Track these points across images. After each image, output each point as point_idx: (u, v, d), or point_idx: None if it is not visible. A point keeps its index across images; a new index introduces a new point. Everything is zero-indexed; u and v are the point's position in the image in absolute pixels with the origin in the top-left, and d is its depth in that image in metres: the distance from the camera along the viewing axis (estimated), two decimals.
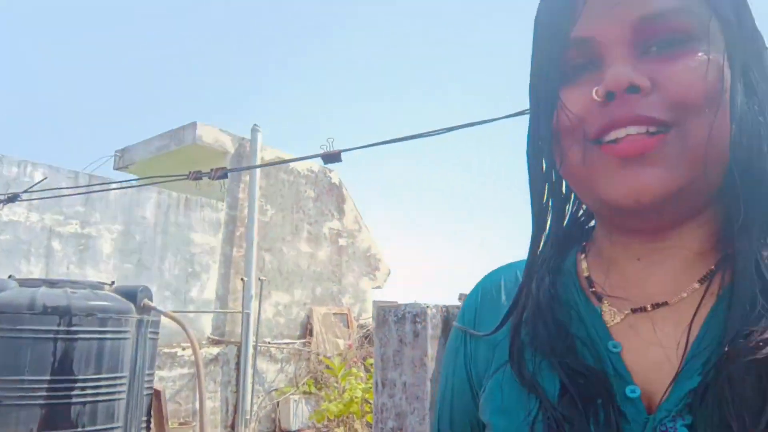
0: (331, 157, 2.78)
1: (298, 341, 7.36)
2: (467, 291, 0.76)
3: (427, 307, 2.10)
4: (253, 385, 6.52)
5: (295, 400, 6.53)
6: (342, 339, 7.23)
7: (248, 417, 6.39)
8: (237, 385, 6.53)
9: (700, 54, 0.46)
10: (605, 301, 0.56)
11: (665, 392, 0.47)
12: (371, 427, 4.39)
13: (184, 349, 6.23)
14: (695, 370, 0.46)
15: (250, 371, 6.51)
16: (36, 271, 5.28)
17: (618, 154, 0.48)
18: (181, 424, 5.44)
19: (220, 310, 6.69)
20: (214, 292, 6.84)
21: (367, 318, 8.13)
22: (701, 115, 0.46)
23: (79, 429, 3.24)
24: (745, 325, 0.44)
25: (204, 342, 6.58)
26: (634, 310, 0.53)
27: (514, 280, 0.65)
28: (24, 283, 3.46)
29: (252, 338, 6.60)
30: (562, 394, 0.50)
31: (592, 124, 0.49)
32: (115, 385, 3.44)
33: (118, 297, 3.61)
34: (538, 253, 0.59)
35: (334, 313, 7.52)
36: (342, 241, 8.57)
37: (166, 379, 5.98)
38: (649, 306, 0.52)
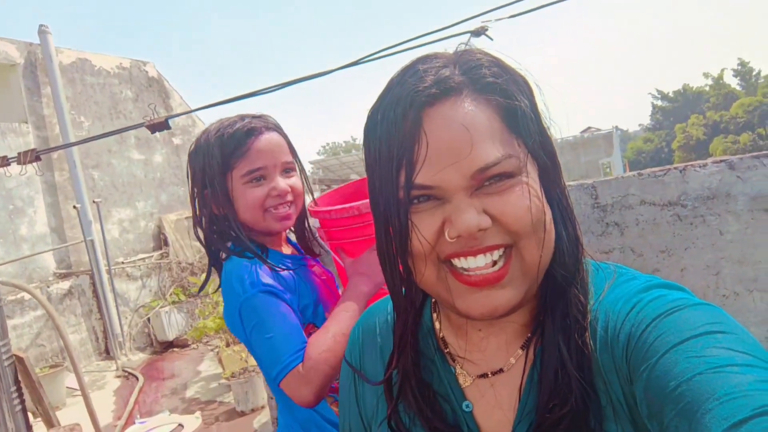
0: (158, 126, 2.59)
1: (154, 254, 7.16)
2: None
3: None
4: (117, 308, 6.38)
5: (166, 312, 6.54)
6: None
7: (121, 339, 6.33)
8: (100, 311, 6.35)
9: (524, 187, 0.56)
10: (458, 364, 0.68)
11: None
12: None
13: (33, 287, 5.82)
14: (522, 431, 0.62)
15: (110, 296, 6.32)
16: None
17: (471, 285, 0.57)
18: (51, 367, 5.28)
19: (59, 246, 6.22)
20: (47, 225, 6.28)
21: None
22: (531, 237, 0.57)
23: None
24: (552, 398, 0.58)
25: (51, 279, 6.18)
26: (479, 376, 0.66)
27: (385, 323, 0.76)
28: None
29: (103, 263, 6.31)
30: None
31: (444, 251, 0.57)
32: None
33: None
34: (402, 313, 0.69)
35: (186, 217, 7.32)
36: (177, 140, 8.08)
37: (21, 326, 5.64)
38: (489, 373, 0.65)
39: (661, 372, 0.49)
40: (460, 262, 0.58)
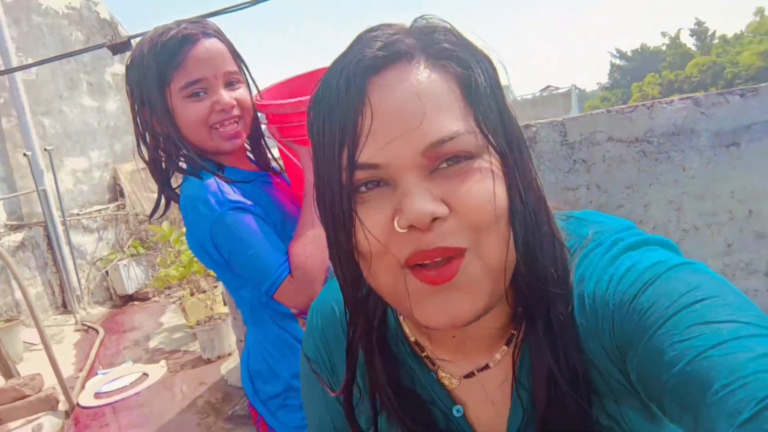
0: (120, 47, 2.48)
1: (110, 206, 6.96)
2: None
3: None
4: (74, 261, 6.22)
5: (125, 265, 6.41)
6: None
7: (79, 293, 6.20)
8: (56, 265, 6.18)
9: (485, 171, 0.49)
10: (438, 368, 0.63)
11: None
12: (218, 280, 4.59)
13: None
14: (514, 426, 0.59)
15: (66, 248, 6.15)
16: None
17: (428, 281, 0.50)
18: (7, 321, 5.14)
19: (11, 195, 5.96)
20: None
21: None
22: (492, 233, 0.50)
23: None
24: (549, 411, 0.54)
25: (2, 231, 5.95)
26: (465, 376, 0.61)
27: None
28: None
29: (57, 214, 6.10)
30: None
31: (400, 251, 0.50)
32: None
33: None
34: (355, 309, 0.60)
35: (142, 168, 7.09)
36: None
37: None
38: (475, 371, 0.61)
39: (649, 361, 0.46)
40: (416, 261, 0.50)
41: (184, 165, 1.17)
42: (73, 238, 6.34)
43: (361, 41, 0.52)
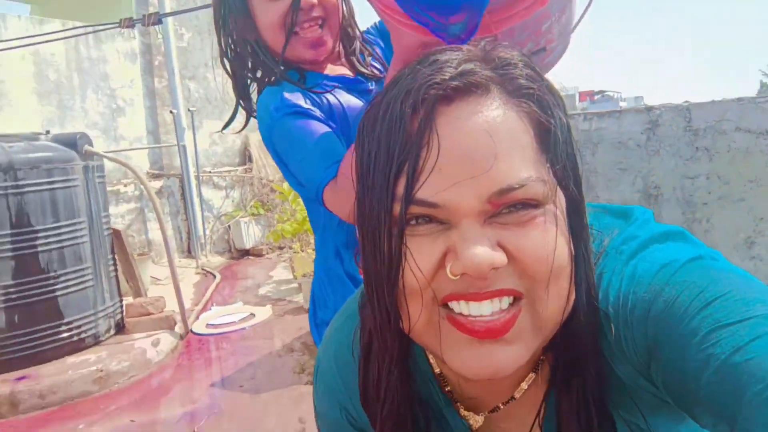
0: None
1: (239, 168, 7.49)
2: None
3: None
4: (202, 212, 6.77)
5: (245, 222, 6.88)
6: None
7: (203, 242, 6.74)
8: (186, 213, 6.76)
9: (549, 221, 0.46)
10: (461, 406, 0.59)
11: None
12: None
13: (125, 185, 6.27)
14: None
15: (197, 200, 6.71)
16: None
17: (471, 334, 0.46)
18: (139, 255, 5.71)
19: (156, 146, 6.62)
20: (144, 127, 6.68)
21: None
22: (552, 287, 0.46)
23: (52, 274, 3.42)
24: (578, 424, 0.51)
25: (144, 177, 6.61)
26: (490, 411, 0.57)
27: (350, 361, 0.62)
28: None
29: (192, 169, 6.67)
30: None
31: (442, 290, 0.46)
32: (75, 231, 3.57)
33: (59, 146, 3.56)
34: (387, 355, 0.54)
35: None
36: None
37: (114, 215, 6.10)
38: (501, 405, 0.57)
39: (673, 373, 0.44)
40: (459, 307, 0.46)
41: (267, 76, 1.11)
42: (203, 192, 6.90)
43: (430, 63, 0.47)
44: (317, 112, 1.04)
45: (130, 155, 6.13)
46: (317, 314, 1.26)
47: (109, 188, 5.98)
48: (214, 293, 5.25)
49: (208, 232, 6.89)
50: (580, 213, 0.50)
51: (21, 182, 3.30)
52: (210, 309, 4.73)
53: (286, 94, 1.04)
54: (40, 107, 5.66)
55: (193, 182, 6.69)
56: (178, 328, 4.07)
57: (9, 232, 3.27)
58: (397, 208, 0.46)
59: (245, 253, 6.90)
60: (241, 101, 1.16)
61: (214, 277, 5.84)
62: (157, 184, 6.58)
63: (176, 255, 6.76)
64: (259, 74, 1.13)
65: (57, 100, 5.82)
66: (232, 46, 1.13)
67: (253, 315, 4.45)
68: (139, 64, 6.67)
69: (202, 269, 6.22)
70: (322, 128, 1.02)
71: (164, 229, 4.11)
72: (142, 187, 6.43)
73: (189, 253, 6.79)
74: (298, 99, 1.05)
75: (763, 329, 0.39)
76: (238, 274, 6.06)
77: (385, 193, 0.46)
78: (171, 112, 6.43)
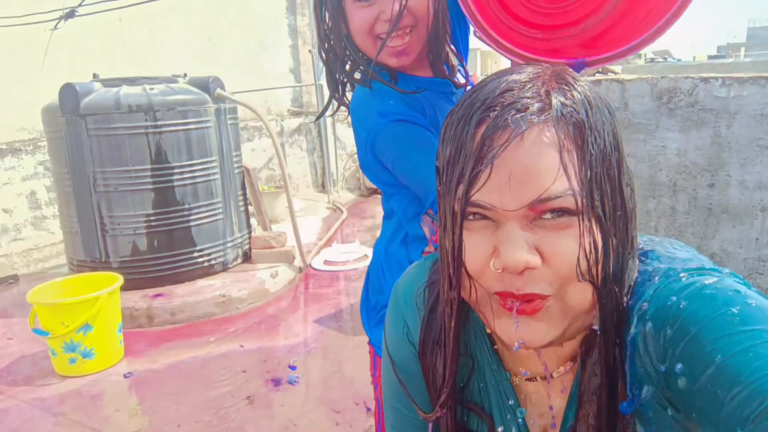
0: None
1: None
2: None
3: None
4: (336, 151, 7.02)
5: None
6: None
7: (335, 178, 7.04)
8: (321, 150, 7.06)
9: (583, 229, 0.53)
10: (510, 368, 0.68)
11: None
12: None
13: (269, 120, 6.68)
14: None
15: (331, 138, 6.96)
16: (117, 60, 5.57)
17: (510, 311, 0.56)
18: (277, 188, 6.13)
19: (293, 85, 6.91)
20: (287, 66, 6.98)
21: None
22: (578, 285, 0.54)
23: (186, 206, 3.81)
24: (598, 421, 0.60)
25: (285, 114, 6.97)
26: (527, 379, 0.67)
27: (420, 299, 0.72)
28: (106, 83, 3.76)
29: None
30: None
31: (491, 285, 0.56)
32: (208, 168, 3.91)
33: (194, 89, 3.86)
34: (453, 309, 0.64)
35: None
36: None
37: (257, 149, 6.57)
38: (539, 378, 0.67)
39: (676, 381, 0.51)
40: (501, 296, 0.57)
41: (356, 74, 1.14)
42: (338, 130, 7.13)
43: (500, 84, 0.55)
44: (420, 120, 1.07)
45: (272, 93, 6.48)
46: (370, 299, 1.27)
47: (252, 124, 6.42)
48: (338, 230, 5.50)
49: (340, 169, 7.16)
50: (617, 221, 0.56)
51: (159, 122, 3.65)
52: (332, 245, 4.97)
53: (389, 99, 1.07)
54: (191, 42, 6.13)
55: (329, 121, 6.92)
56: (297, 262, 4.35)
57: (150, 167, 3.67)
58: (456, 205, 0.56)
59: (374, 191, 7.09)
60: (335, 94, 1.19)
61: (342, 212, 6.10)
62: (296, 121, 6.91)
63: (312, 189, 7.15)
64: (348, 67, 1.15)
65: (207, 36, 6.25)
66: (328, 36, 1.14)
67: (366, 256, 4.60)
68: (285, 2, 6.89)
69: (333, 204, 6.52)
70: (429, 137, 1.04)
71: (284, 169, 4.32)
72: (282, 123, 6.80)
73: (323, 187, 7.14)
74: (402, 105, 1.07)
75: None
76: (365, 212, 6.27)
77: (451, 191, 0.56)
78: (309, 51, 6.62)
